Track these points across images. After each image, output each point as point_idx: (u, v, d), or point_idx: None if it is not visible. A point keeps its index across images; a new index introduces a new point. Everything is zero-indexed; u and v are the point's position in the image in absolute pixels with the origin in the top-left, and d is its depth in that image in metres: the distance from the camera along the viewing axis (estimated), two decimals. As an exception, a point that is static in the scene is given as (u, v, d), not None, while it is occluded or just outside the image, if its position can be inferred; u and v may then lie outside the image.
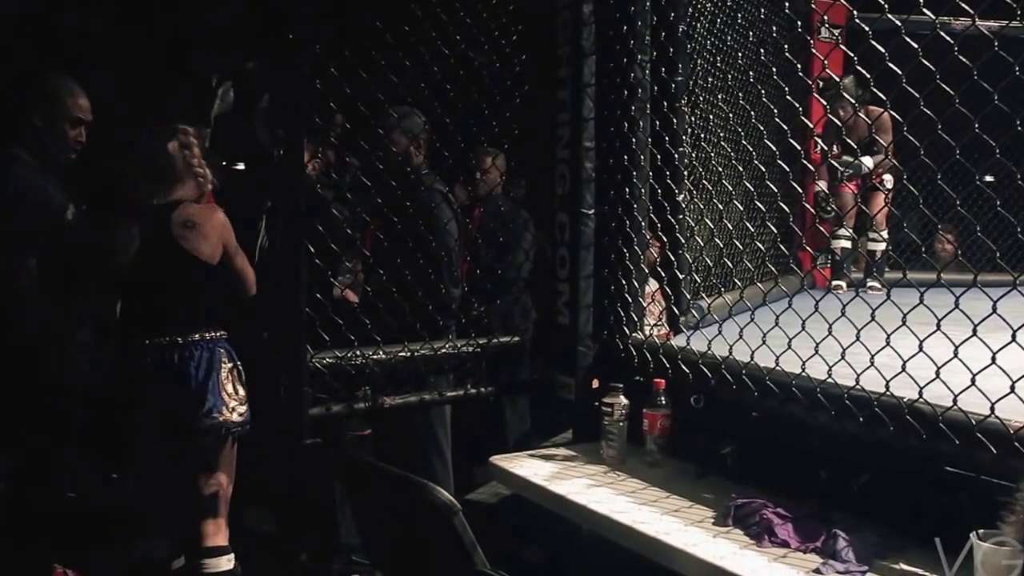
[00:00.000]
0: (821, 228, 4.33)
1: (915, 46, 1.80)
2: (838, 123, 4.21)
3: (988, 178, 3.18)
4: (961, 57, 1.75)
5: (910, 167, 2.30)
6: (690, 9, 3.28)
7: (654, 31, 2.79)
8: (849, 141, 4.43)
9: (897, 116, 1.98)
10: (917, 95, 1.81)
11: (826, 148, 4.90)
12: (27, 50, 4.22)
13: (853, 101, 3.57)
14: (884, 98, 1.96)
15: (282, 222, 2.50)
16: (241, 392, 2.65)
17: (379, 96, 2.78)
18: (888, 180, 4.81)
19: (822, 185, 4.76)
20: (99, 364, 3.05)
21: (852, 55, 2.09)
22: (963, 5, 1.77)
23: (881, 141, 4.16)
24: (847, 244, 5.13)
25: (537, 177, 2.90)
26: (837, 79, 3.66)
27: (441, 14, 2.84)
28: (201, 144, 2.82)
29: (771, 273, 3.39)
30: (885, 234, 5.06)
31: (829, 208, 4.77)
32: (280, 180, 2.48)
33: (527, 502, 2.49)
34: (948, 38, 1.76)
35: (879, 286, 4.31)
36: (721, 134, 3.46)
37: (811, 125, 3.11)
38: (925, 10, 1.84)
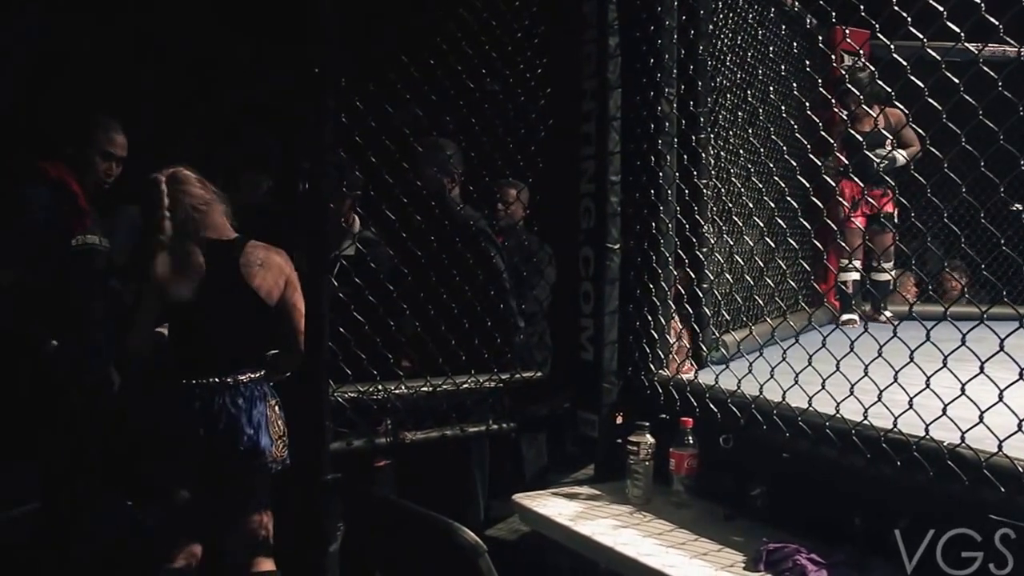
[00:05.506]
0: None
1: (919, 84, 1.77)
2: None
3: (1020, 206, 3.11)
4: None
5: (920, 205, 2.27)
6: (714, 41, 3.27)
7: (680, 64, 2.77)
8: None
9: (920, 131, 1.94)
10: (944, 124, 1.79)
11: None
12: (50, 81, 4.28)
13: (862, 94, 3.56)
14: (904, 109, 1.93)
15: (307, 256, 2.47)
16: (283, 427, 2.63)
17: (405, 130, 2.76)
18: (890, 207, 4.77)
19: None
20: (117, 395, 3.05)
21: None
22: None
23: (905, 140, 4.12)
24: (856, 277, 5.08)
25: (562, 211, 2.86)
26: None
27: (467, 47, 2.83)
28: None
29: (789, 307, 3.36)
30: (890, 266, 5.01)
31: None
32: (304, 214, 2.46)
33: (547, 540, 2.44)
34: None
35: (886, 318, 4.25)
36: (749, 168, 3.44)
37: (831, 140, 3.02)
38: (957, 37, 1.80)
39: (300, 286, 2.62)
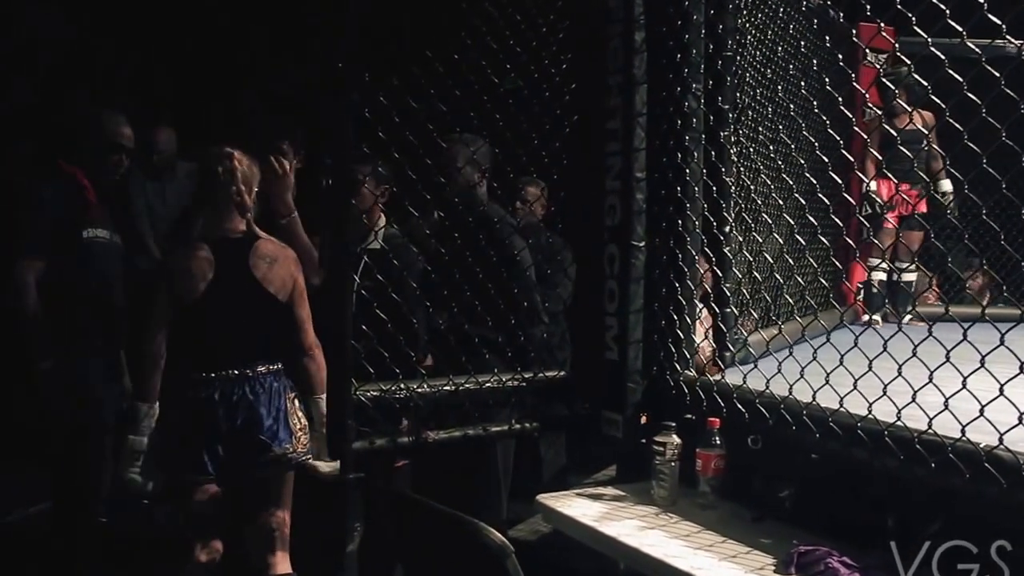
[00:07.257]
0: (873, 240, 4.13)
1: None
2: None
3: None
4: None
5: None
6: (738, 37, 3.23)
7: (707, 59, 2.73)
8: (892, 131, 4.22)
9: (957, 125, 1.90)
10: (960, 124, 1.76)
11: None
12: (70, 79, 4.31)
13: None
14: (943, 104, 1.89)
15: (329, 252, 2.46)
16: (304, 420, 2.61)
17: (428, 125, 2.74)
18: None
19: (872, 186, 4.60)
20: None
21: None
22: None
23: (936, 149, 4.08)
24: (883, 276, 5.00)
25: (586, 208, 2.83)
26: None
27: (491, 42, 2.81)
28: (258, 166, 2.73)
29: (814, 307, 3.31)
30: (915, 266, 4.94)
31: (880, 206, 4.60)
32: (328, 209, 2.45)
33: (568, 540, 2.41)
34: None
35: (913, 315, 4.16)
36: (779, 164, 3.39)
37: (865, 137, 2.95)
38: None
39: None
